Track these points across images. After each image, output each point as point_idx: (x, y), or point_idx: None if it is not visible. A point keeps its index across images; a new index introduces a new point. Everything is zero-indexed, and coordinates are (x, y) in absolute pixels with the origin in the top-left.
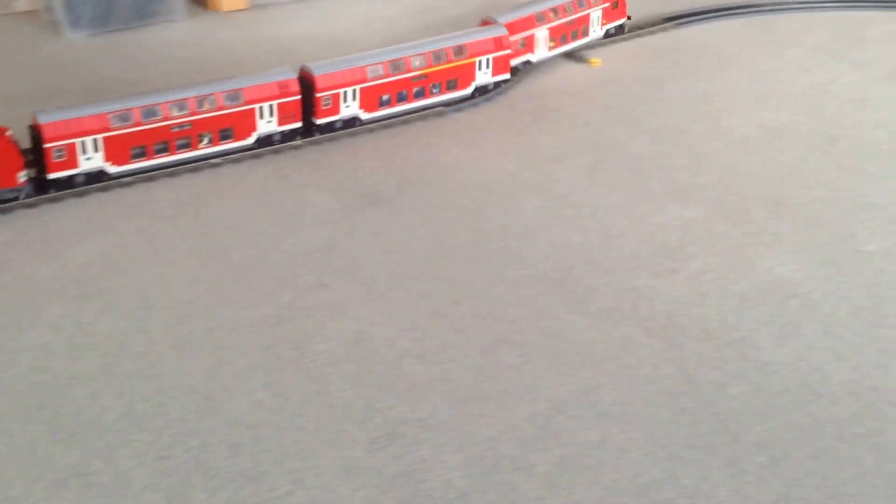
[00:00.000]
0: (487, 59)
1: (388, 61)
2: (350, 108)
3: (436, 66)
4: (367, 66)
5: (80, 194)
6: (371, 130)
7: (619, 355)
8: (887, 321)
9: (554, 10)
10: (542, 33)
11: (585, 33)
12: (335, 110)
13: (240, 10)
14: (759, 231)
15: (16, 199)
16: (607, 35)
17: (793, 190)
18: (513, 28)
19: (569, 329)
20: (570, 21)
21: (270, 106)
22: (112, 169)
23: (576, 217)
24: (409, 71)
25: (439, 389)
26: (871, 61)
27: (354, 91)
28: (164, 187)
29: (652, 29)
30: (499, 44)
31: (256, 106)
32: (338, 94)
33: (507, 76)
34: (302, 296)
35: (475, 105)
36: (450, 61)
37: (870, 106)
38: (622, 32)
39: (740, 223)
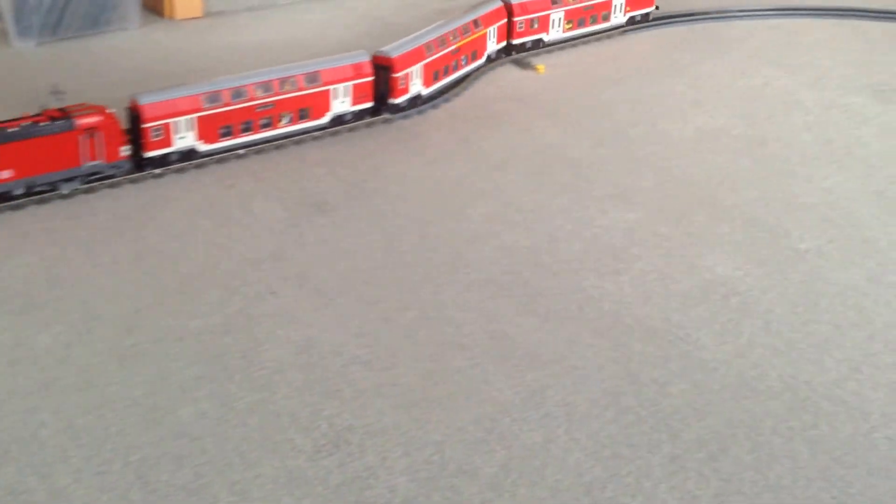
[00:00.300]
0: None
1: (437, 38)
2: (416, 86)
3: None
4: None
5: (16, 207)
6: (315, 138)
7: (566, 356)
8: (821, 317)
9: None
10: (557, 15)
11: (606, 19)
12: (405, 90)
13: (194, 18)
14: (699, 232)
15: (113, 176)
16: (632, 22)
17: (729, 191)
18: (525, 9)
19: (517, 331)
20: (589, 6)
21: (345, 87)
22: (202, 147)
23: (522, 221)
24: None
25: (386, 395)
26: (802, 66)
27: (419, 70)
28: (106, 199)
29: (598, 36)
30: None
31: (332, 87)
32: (408, 74)
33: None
34: (251, 304)
35: (420, 112)
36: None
37: (800, 109)
38: (647, 20)
39: (681, 224)
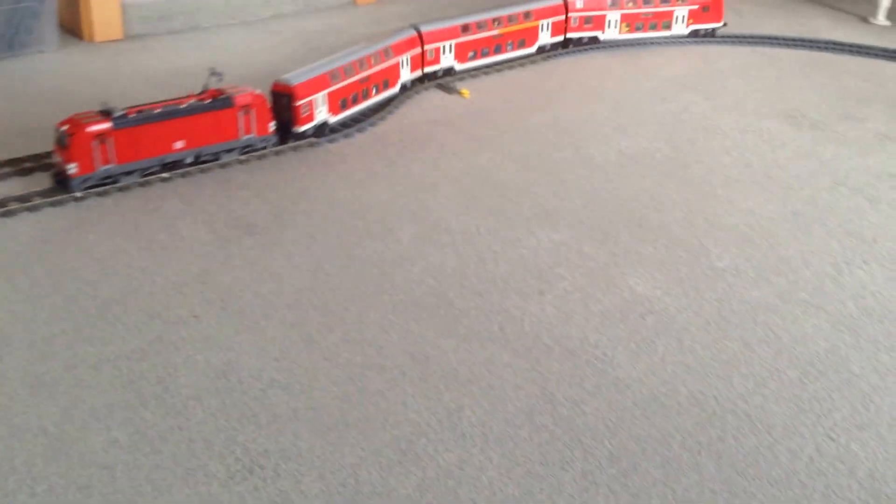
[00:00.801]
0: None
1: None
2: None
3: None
4: None
5: None
6: (241, 161)
7: (484, 376)
8: (732, 333)
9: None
10: (613, 16)
11: (668, 27)
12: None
13: (114, 40)
14: (622, 251)
15: (264, 148)
16: (695, 34)
17: (652, 212)
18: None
19: (437, 352)
20: (649, 13)
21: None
22: (332, 119)
23: (450, 242)
24: None
25: (303, 419)
26: (719, 92)
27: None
28: (26, 223)
29: (521, 62)
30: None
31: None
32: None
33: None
34: (171, 328)
35: (347, 136)
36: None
37: (719, 133)
38: (712, 36)
39: (606, 244)
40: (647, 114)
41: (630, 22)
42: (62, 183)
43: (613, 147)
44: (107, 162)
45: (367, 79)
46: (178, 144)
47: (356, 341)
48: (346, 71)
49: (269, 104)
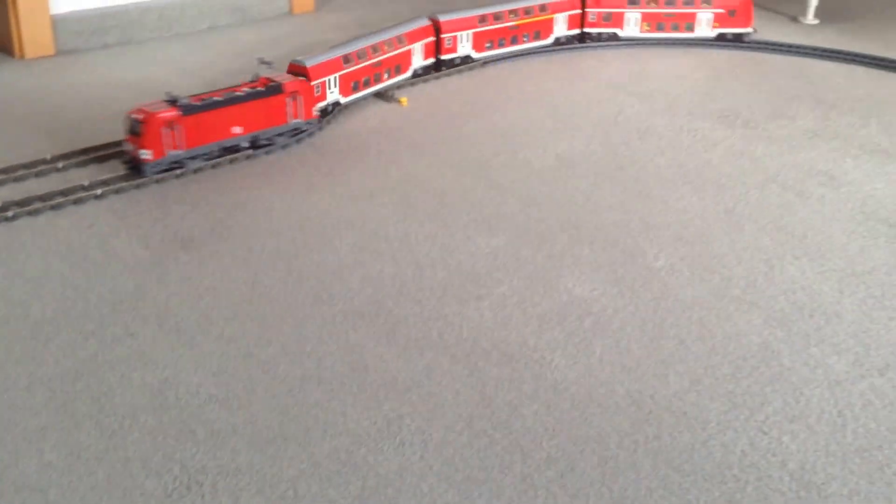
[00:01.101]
0: None
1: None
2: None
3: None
4: None
5: None
6: (177, 176)
7: (423, 384)
8: (668, 332)
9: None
10: (633, 15)
11: (690, 29)
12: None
13: (45, 56)
14: (559, 254)
15: (311, 132)
16: (721, 38)
17: (590, 214)
18: (598, 2)
19: (376, 361)
20: (670, 13)
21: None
22: (343, 100)
23: (388, 250)
24: None
25: (242, 433)
26: (653, 94)
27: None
28: None
29: (459, 68)
30: None
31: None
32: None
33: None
34: (106, 347)
35: (284, 147)
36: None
37: (654, 135)
38: (740, 41)
39: (543, 248)
40: (584, 117)
41: (651, 21)
42: (135, 169)
43: (550, 151)
44: (175, 147)
45: (380, 64)
46: (236, 130)
47: (295, 353)
48: (360, 55)
49: (313, 90)
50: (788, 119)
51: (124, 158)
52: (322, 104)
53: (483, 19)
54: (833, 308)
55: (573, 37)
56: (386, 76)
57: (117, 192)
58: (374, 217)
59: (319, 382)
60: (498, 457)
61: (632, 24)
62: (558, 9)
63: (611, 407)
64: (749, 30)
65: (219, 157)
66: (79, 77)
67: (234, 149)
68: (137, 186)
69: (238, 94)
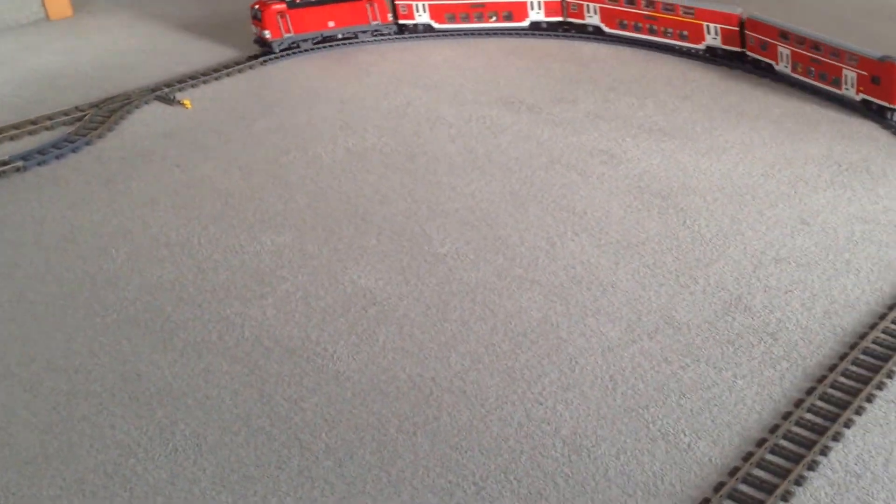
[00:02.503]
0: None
1: None
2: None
3: None
4: None
5: None
6: None
7: (200, 387)
8: (451, 315)
9: (800, 40)
10: (784, 50)
11: (837, 85)
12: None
13: None
14: (346, 247)
15: (389, 33)
16: (866, 105)
17: (378, 206)
18: (755, 27)
19: (150, 369)
20: (818, 60)
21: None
22: (436, 26)
23: (169, 256)
24: None
25: (0, 455)
26: (438, 84)
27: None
28: None
29: (240, 67)
30: None
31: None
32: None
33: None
34: None
35: (59, 157)
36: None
37: (444, 124)
38: (883, 117)
39: (329, 242)
40: (372, 111)
41: (802, 63)
42: (264, 45)
43: (340, 146)
44: (288, 31)
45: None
46: (331, 24)
47: (62, 368)
48: None
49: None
50: (570, 103)
51: (254, 39)
52: (409, 22)
53: None
54: (609, 279)
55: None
56: (480, 18)
57: None
58: (154, 223)
59: (87, 396)
60: (275, 452)
61: (784, 59)
62: None
63: (392, 392)
64: (889, 105)
65: (321, 43)
66: None
67: (331, 39)
68: None
69: None
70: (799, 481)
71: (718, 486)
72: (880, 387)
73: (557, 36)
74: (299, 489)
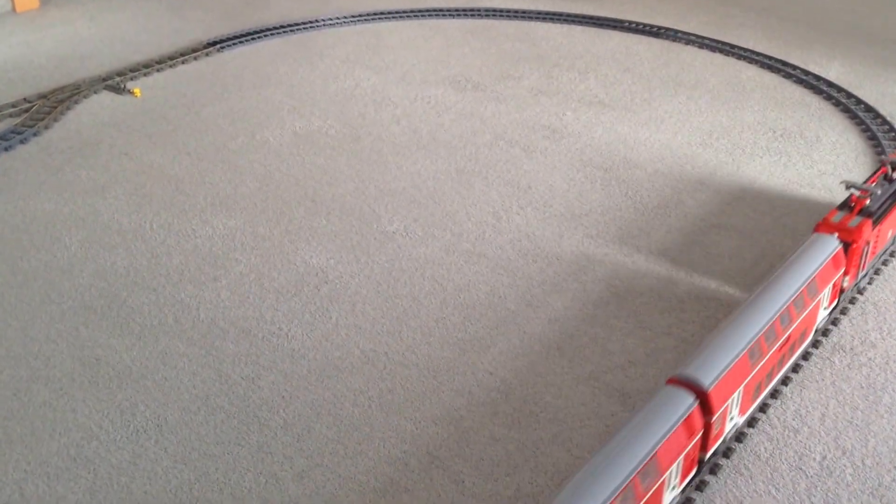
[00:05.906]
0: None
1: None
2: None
3: None
4: None
5: None
6: None
7: (158, 369)
8: (402, 291)
9: None
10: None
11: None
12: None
13: None
14: (297, 228)
15: None
16: None
17: (327, 187)
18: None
19: (108, 353)
20: None
21: None
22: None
23: (122, 242)
24: None
25: None
26: (388, 66)
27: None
28: None
29: (195, 55)
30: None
31: None
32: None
33: None
34: None
35: (8, 149)
36: None
37: (389, 104)
38: None
39: (280, 223)
40: (321, 94)
41: None
42: None
43: (288, 129)
44: None
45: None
46: None
47: (20, 356)
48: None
49: None
50: (515, 80)
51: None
52: None
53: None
54: (554, 251)
55: None
56: None
57: None
58: (105, 211)
59: (48, 382)
60: (234, 430)
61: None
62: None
63: (346, 368)
64: None
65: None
66: None
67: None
68: None
69: None
70: (739, 437)
71: None
72: (815, 344)
73: (517, 16)
74: (259, 464)
